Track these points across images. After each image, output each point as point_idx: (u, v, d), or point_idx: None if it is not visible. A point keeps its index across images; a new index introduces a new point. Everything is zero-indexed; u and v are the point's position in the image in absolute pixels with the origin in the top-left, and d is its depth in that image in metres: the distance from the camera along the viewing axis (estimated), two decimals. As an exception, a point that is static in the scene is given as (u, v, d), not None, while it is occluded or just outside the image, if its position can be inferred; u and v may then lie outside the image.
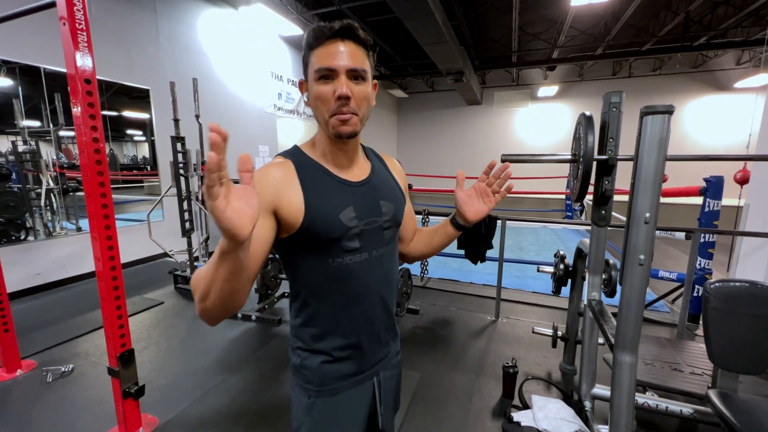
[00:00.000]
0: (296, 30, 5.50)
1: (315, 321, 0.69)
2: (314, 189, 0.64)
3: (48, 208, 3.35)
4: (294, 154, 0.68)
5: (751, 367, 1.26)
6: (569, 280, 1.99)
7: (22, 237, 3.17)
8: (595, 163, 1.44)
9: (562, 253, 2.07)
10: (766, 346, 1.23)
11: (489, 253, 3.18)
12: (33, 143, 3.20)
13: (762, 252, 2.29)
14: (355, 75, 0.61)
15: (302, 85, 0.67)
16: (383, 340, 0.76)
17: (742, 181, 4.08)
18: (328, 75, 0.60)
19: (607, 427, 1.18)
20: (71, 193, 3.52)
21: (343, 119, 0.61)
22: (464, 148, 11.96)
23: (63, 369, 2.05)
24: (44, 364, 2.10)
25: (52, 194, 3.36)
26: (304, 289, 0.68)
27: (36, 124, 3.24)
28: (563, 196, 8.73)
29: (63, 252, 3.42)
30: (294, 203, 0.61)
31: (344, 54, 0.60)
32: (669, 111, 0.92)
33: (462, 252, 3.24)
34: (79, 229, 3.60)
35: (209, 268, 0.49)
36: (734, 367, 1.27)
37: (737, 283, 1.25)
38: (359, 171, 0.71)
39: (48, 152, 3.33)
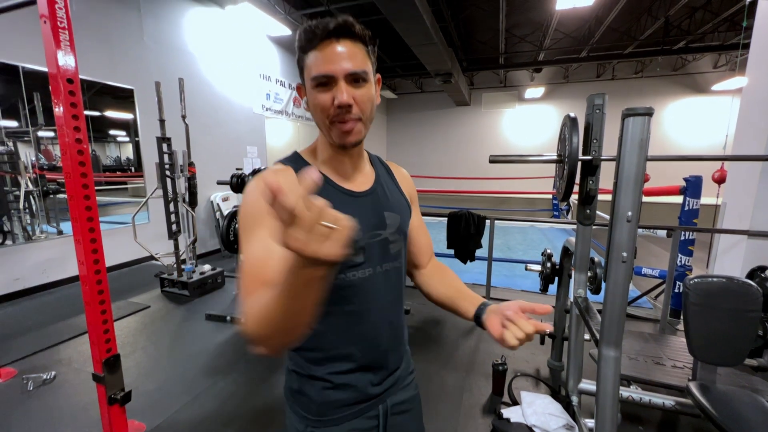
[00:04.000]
0: (284, 30, 5.45)
1: (313, 344, 0.63)
2: None
3: (27, 211, 3.24)
4: (294, 161, 0.65)
5: (728, 359, 1.31)
6: (556, 278, 2.03)
7: (0, 241, 3.07)
8: (579, 163, 1.48)
9: (549, 251, 2.10)
10: (742, 339, 1.28)
11: (478, 253, 3.21)
12: (11, 144, 3.10)
13: (738, 248, 2.38)
14: (356, 78, 0.56)
15: (300, 90, 0.64)
16: (391, 364, 0.70)
17: (720, 180, 4.21)
18: (325, 82, 0.56)
19: (593, 420, 1.21)
20: (51, 196, 3.42)
21: (346, 129, 0.58)
22: (453, 149, 12.06)
23: (44, 376, 1.99)
24: (24, 372, 2.03)
25: (31, 196, 3.25)
26: None
27: (13, 124, 3.14)
28: (550, 196, 8.89)
29: (43, 256, 3.32)
30: None
31: (341, 56, 0.55)
32: (649, 113, 0.95)
33: (452, 252, 3.27)
34: (60, 233, 3.50)
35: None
36: (713, 360, 1.32)
37: (714, 279, 1.30)
38: (363, 180, 0.68)
39: (27, 153, 3.22)
